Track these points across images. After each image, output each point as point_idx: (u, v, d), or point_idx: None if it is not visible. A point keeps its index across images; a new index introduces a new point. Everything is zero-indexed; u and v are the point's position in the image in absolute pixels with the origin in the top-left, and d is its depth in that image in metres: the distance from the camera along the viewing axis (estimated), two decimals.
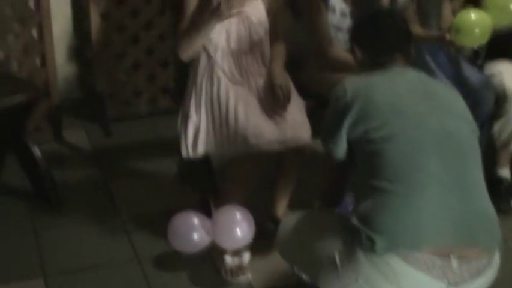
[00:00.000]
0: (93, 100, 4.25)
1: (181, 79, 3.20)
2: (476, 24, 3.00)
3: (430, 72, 3.07)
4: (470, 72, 3.33)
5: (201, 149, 2.94)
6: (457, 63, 3.35)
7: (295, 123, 2.93)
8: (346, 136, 2.31)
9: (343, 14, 3.15)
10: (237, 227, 2.80)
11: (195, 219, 2.82)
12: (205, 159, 2.99)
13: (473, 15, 3.02)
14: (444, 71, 3.28)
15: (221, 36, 2.96)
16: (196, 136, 2.94)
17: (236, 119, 2.87)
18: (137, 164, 3.82)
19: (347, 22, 3.14)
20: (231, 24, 2.96)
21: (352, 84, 2.37)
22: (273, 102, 2.92)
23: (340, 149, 2.35)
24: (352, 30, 2.64)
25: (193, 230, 2.80)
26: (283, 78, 2.96)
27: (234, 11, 2.75)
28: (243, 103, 2.91)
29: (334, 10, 3.14)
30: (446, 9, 3.44)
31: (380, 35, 2.45)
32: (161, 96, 4.29)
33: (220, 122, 2.90)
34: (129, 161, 3.87)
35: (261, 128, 2.87)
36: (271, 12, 3.04)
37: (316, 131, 2.80)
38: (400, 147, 2.21)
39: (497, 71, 3.40)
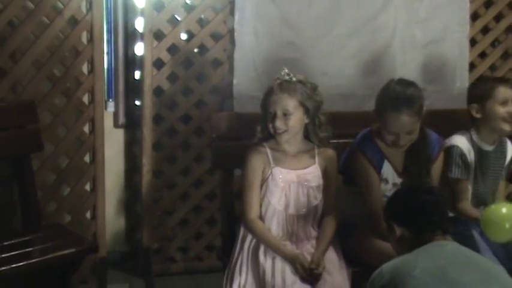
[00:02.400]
0: (139, 254, 4.28)
1: (228, 239, 3.23)
2: (506, 219, 2.82)
3: (474, 247, 2.98)
4: None
5: None
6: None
7: (333, 286, 2.90)
8: None
9: (395, 185, 3.17)
10: None
11: None
12: None
13: (504, 209, 2.84)
14: (493, 249, 3.22)
15: (280, 202, 3.02)
16: None
17: (279, 285, 2.86)
18: None
19: None
20: (291, 190, 3.03)
21: (389, 266, 2.37)
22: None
23: None
24: (389, 207, 2.62)
25: None
26: (319, 263, 2.92)
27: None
28: (286, 268, 2.91)
29: (387, 181, 3.16)
30: (501, 188, 3.46)
31: (423, 212, 2.46)
32: (206, 254, 4.30)
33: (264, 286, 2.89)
34: None
35: None
36: (325, 176, 3.10)
37: None
38: None
39: None
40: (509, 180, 3.65)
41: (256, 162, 3.04)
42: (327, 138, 3.13)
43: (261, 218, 3.04)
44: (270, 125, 3.02)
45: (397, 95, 3.03)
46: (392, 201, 2.64)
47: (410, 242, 2.46)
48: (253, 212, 3.03)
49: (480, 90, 3.35)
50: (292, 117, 3.00)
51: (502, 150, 3.43)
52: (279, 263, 2.92)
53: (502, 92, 3.29)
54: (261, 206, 3.04)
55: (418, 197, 2.51)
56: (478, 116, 3.32)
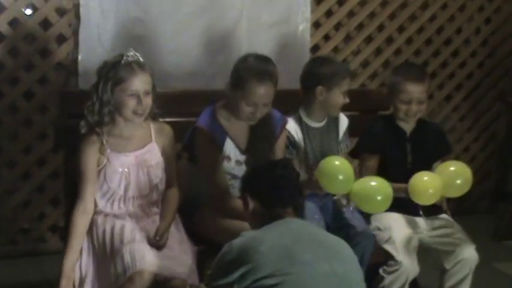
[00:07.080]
0: None
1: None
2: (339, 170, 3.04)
3: (310, 218, 3.09)
4: (353, 219, 3.31)
5: None
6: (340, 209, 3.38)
7: (174, 259, 2.88)
8: (236, 286, 2.33)
9: (238, 162, 3.19)
10: None
11: None
12: None
13: (337, 161, 3.09)
14: (327, 213, 3.34)
15: (120, 186, 2.96)
16: (82, 280, 2.87)
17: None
18: None
19: (242, 170, 3.16)
20: (130, 172, 2.97)
21: (238, 241, 2.41)
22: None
23: None
24: (245, 180, 2.67)
25: None
26: (163, 235, 2.93)
27: None
28: (127, 230, 2.86)
29: (229, 158, 3.17)
30: None
31: (275, 187, 2.51)
32: (50, 235, 4.19)
33: (102, 254, 2.85)
34: None
35: (142, 254, 2.76)
36: (164, 153, 3.06)
37: (204, 276, 2.78)
38: None
39: (387, 224, 3.36)
40: (351, 155, 3.64)
41: (90, 153, 2.93)
42: (159, 115, 3.10)
43: (99, 200, 2.97)
44: (134, 108, 2.90)
45: (261, 67, 3.10)
46: (249, 173, 2.68)
47: (262, 217, 2.50)
48: (81, 206, 2.93)
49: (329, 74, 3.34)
50: (149, 96, 2.95)
51: (334, 125, 3.51)
52: (119, 225, 2.88)
53: (347, 83, 3.36)
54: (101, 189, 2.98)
55: (272, 171, 2.55)
56: (321, 97, 3.35)
